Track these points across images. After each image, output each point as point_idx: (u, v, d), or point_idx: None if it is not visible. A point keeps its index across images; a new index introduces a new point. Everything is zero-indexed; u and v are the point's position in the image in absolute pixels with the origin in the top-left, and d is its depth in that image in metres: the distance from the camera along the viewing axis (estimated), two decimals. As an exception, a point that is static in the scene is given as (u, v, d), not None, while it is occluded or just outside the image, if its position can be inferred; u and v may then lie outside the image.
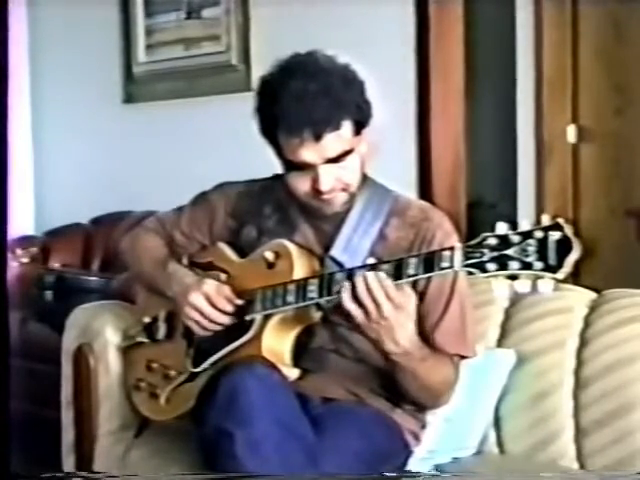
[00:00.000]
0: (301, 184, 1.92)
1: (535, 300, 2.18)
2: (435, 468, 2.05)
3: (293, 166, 1.91)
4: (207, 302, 1.97)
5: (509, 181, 3.36)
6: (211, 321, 1.98)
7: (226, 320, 1.97)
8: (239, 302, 1.97)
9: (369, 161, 1.98)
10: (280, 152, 1.92)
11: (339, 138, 1.87)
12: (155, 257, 2.15)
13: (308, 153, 1.86)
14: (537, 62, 3.22)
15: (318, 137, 1.84)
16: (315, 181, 1.89)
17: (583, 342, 2.10)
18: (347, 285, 1.75)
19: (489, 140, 3.97)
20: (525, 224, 1.59)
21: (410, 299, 1.76)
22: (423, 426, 2.06)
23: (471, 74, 3.39)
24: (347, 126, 1.88)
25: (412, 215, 2.02)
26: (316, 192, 1.90)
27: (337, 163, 1.88)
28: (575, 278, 2.53)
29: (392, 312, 1.73)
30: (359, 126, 1.91)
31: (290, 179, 1.94)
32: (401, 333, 1.77)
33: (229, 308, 1.97)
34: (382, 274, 1.73)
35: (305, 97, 1.83)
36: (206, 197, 2.16)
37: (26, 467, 2.20)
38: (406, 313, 1.75)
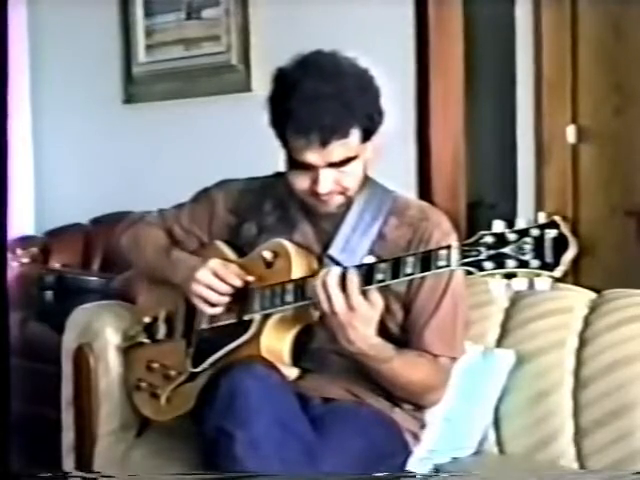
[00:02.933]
0: (300, 182, 1.92)
1: (535, 300, 2.18)
2: (434, 468, 2.05)
3: (295, 162, 1.91)
4: (214, 276, 1.97)
5: (509, 181, 3.37)
6: (221, 294, 1.97)
7: (231, 291, 1.97)
8: (249, 278, 1.97)
9: (372, 164, 1.98)
10: (285, 145, 1.92)
11: (345, 145, 1.86)
12: (158, 246, 2.15)
13: (312, 156, 1.86)
14: (537, 62, 3.22)
15: (325, 143, 1.84)
16: (314, 182, 1.90)
17: (583, 342, 2.10)
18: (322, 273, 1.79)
19: (489, 140, 3.97)
20: (521, 222, 1.60)
21: (371, 307, 1.77)
22: (423, 426, 2.06)
23: (471, 74, 3.39)
24: (355, 134, 1.87)
25: (410, 215, 2.02)
26: (314, 193, 1.91)
27: (339, 168, 1.89)
28: (575, 278, 2.54)
29: (343, 311, 1.75)
30: (367, 134, 1.90)
31: (290, 175, 1.94)
32: (352, 334, 1.78)
33: (237, 282, 1.97)
34: (351, 274, 1.75)
35: (318, 99, 1.82)
36: (207, 193, 2.16)
37: (26, 467, 2.20)
38: (359, 316, 1.76)
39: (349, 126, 1.85)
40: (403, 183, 2.77)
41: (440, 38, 3.21)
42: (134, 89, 4.14)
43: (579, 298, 2.18)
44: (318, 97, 1.82)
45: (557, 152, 3.23)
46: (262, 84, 3.51)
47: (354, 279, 1.75)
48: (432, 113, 3.21)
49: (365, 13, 3.28)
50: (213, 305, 1.99)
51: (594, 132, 3.19)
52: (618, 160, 3.17)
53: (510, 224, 1.60)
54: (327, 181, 1.89)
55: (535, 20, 3.21)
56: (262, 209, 2.09)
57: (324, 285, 1.76)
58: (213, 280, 1.97)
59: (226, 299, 1.98)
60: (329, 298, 1.76)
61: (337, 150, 1.86)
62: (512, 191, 3.33)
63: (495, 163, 3.87)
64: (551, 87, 3.21)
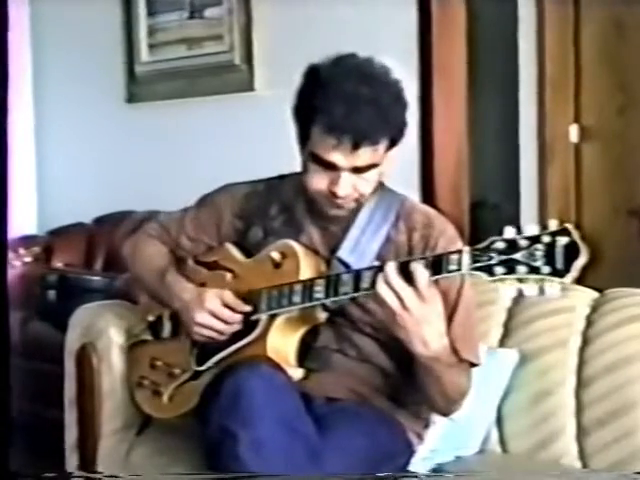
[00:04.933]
0: (317, 181, 1.90)
1: (537, 300, 2.17)
2: (438, 467, 2.05)
3: (314, 159, 1.88)
4: (215, 318, 1.97)
5: (512, 181, 3.37)
6: (223, 333, 1.97)
7: (237, 326, 1.97)
8: (246, 308, 1.96)
9: (387, 173, 1.97)
10: (304, 141, 1.90)
11: (373, 152, 1.85)
12: (155, 267, 2.13)
13: (339, 157, 1.84)
14: (540, 62, 3.22)
15: (356, 147, 1.82)
16: (333, 184, 1.87)
17: (585, 341, 2.10)
18: (380, 274, 1.73)
19: (492, 140, 3.96)
20: (533, 228, 1.59)
21: (437, 297, 1.74)
22: (426, 425, 2.06)
23: (474, 74, 3.39)
24: (384, 143, 1.86)
25: (416, 220, 2.00)
26: (331, 194, 1.89)
27: (361, 173, 1.87)
28: (578, 277, 2.54)
29: (417, 304, 1.71)
30: (392, 144, 1.89)
31: (308, 172, 1.91)
32: (428, 331, 1.74)
33: (237, 317, 1.96)
34: (416, 264, 1.70)
35: (356, 102, 1.79)
36: (211, 199, 2.15)
37: (29, 467, 2.20)
38: (433, 309, 1.74)
39: (381, 134, 1.84)
40: (406, 183, 2.76)
41: (443, 38, 3.21)
42: (136, 88, 4.15)
43: (582, 297, 2.18)
44: (356, 99, 1.80)
45: (560, 152, 3.23)
46: (264, 84, 3.53)
47: (420, 268, 1.70)
48: (435, 113, 3.21)
49: (368, 12, 3.28)
50: (219, 338, 1.99)
51: (597, 131, 3.19)
52: (621, 160, 3.17)
53: (516, 227, 1.61)
54: (347, 184, 1.87)
55: (538, 19, 3.21)
56: (268, 212, 2.08)
57: (388, 284, 1.71)
58: (214, 323, 1.97)
59: (226, 336, 1.97)
60: (398, 296, 1.71)
61: (365, 155, 1.84)
62: (515, 191, 3.33)
63: (498, 163, 3.87)
64: (554, 86, 3.21)
